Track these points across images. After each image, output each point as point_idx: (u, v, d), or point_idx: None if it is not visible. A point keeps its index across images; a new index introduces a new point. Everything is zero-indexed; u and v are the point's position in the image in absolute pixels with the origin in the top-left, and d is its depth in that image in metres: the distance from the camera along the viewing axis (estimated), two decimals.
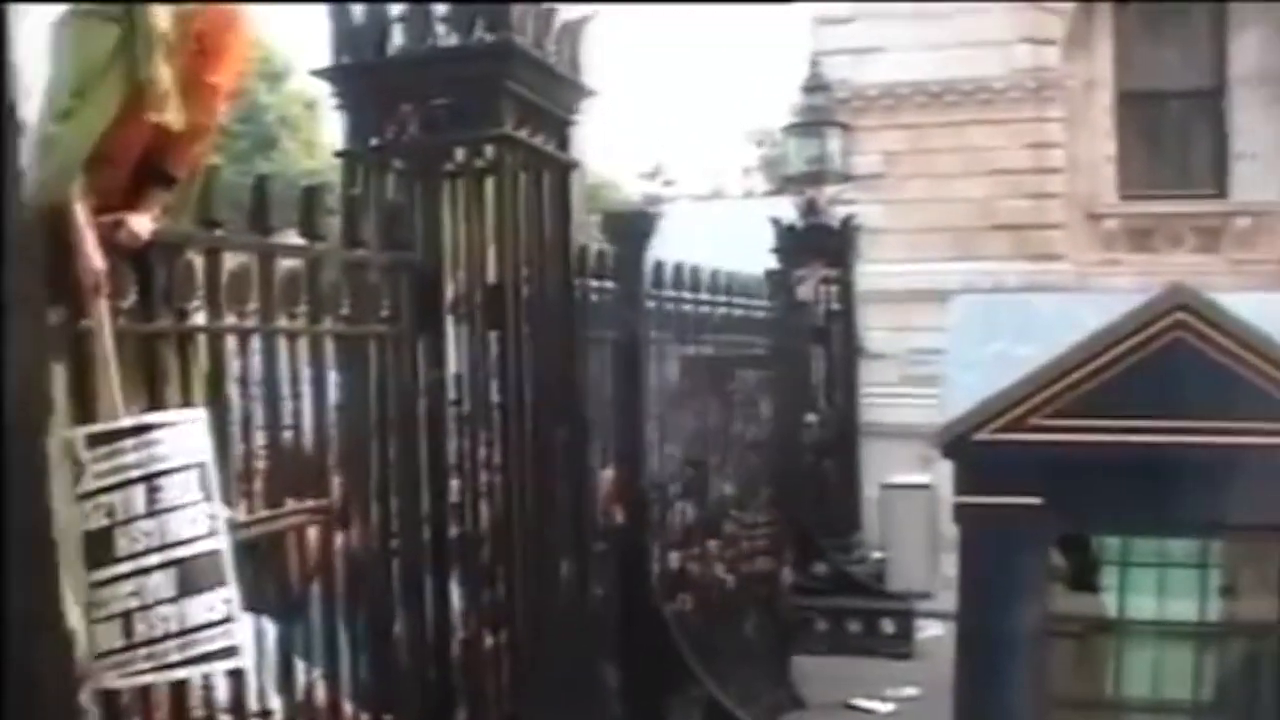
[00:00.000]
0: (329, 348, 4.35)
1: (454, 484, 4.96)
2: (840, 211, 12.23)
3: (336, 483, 4.40)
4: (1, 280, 1.83)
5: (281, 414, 4.06)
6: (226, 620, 3.08)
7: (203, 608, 3.04)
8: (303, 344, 4.18)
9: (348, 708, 4.36)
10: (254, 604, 3.71)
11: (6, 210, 1.88)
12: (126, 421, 3.06)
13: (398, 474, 4.71)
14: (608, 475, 6.54)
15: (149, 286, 3.47)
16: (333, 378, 4.42)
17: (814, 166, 12.38)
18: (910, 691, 9.46)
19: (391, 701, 4.66)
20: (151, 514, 2.98)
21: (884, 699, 9.42)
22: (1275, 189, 13.27)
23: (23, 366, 1.91)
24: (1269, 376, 5.32)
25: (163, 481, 3.01)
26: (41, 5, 3.11)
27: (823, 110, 12.71)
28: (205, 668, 3.13)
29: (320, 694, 4.21)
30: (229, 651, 3.10)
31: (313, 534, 4.18)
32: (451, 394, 4.95)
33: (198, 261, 3.65)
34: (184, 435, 3.10)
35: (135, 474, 2.99)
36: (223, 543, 3.12)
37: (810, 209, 12.08)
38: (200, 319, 3.65)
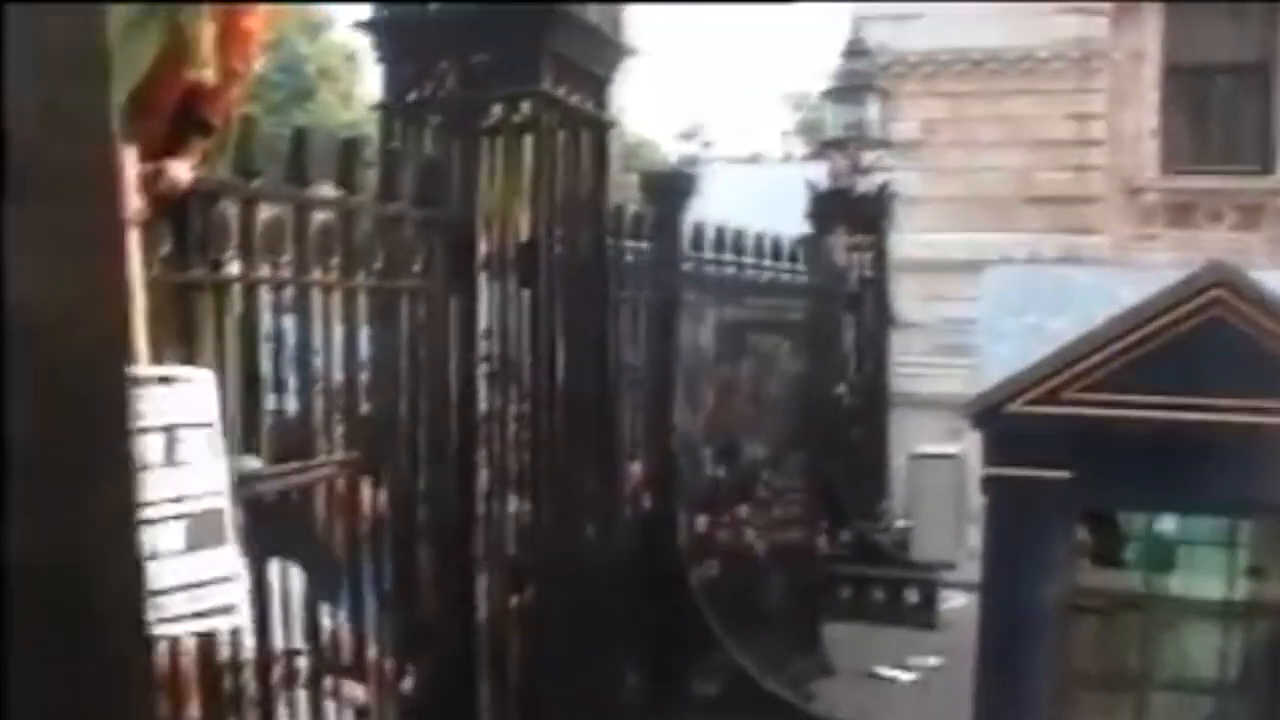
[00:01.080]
0: (362, 302, 4.36)
1: (483, 440, 4.95)
2: (877, 178, 12.16)
3: (367, 436, 4.41)
4: None
5: (314, 367, 4.07)
6: (229, 578, 3.12)
7: (209, 564, 3.07)
8: (336, 297, 4.19)
9: (372, 653, 4.40)
10: (283, 554, 3.79)
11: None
12: (150, 370, 3.06)
13: (427, 429, 4.71)
14: (636, 469, 6.51)
15: (184, 236, 3.47)
16: (365, 332, 4.42)
17: (852, 132, 12.31)
18: (933, 661, 9.48)
19: (416, 649, 4.69)
20: (168, 465, 2.98)
21: (907, 668, 9.45)
22: None
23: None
24: None
25: (182, 434, 3.02)
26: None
27: (862, 75, 12.61)
28: (208, 623, 3.15)
29: (346, 640, 4.25)
30: (229, 609, 3.13)
31: (342, 486, 4.19)
32: (482, 351, 4.93)
33: (233, 211, 3.64)
34: (198, 392, 3.10)
35: (153, 423, 2.99)
36: (227, 502, 3.13)
37: (839, 174, 12.00)
38: (234, 270, 3.65)
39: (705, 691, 6.23)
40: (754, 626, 7.89)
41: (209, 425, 3.11)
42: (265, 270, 3.79)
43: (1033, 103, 13.78)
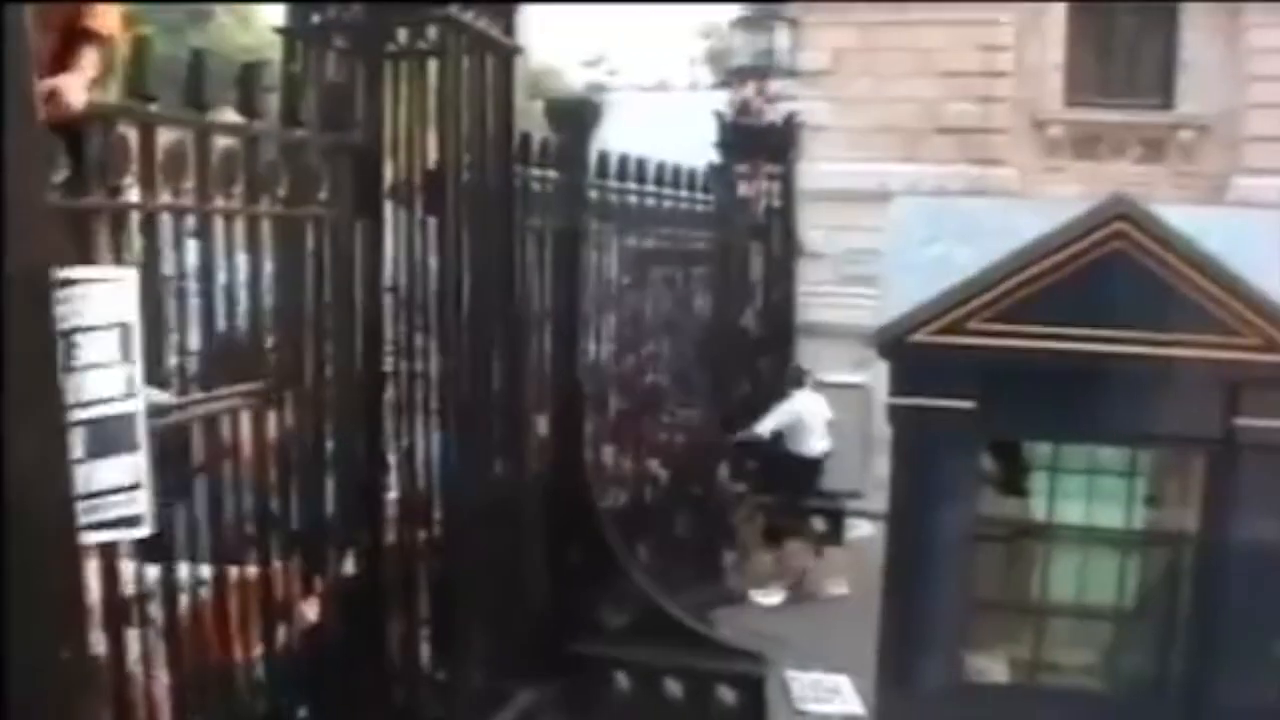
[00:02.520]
0: (266, 229, 4.25)
1: (389, 368, 4.93)
2: (785, 107, 12.11)
3: (273, 363, 4.34)
4: None
5: (217, 296, 3.97)
6: (134, 487, 2.97)
7: (111, 471, 2.92)
8: (239, 225, 4.09)
9: (278, 567, 4.37)
10: (189, 477, 3.74)
11: None
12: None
13: (334, 357, 4.64)
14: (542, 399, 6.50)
15: (81, 161, 3.35)
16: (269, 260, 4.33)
17: (761, 60, 12.23)
18: (840, 590, 9.64)
19: (323, 564, 4.67)
20: (66, 370, 2.80)
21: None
22: (1220, 102, 13.27)
23: None
24: (1204, 291, 5.39)
25: (81, 339, 2.86)
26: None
27: (771, 5, 12.53)
28: (109, 534, 3.03)
29: (251, 558, 4.22)
30: (134, 520, 2.99)
31: (247, 415, 4.13)
32: (389, 279, 4.87)
33: (131, 136, 3.53)
34: (109, 293, 2.93)
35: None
36: (139, 406, 2.99)
37: (747, 103, 11.94)
38: (134, 196, 3.55)
39: (614, 621, 6.24)
40: (660, 555, 7.93)
41: (122, 325, 2.94)
42: (166, 198, 3.69)
43: (942, 34, 13.76)
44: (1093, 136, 13.68)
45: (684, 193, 8.77)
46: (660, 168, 8.25)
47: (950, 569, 5.63)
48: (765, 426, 9.71)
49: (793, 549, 9.86)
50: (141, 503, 3.00)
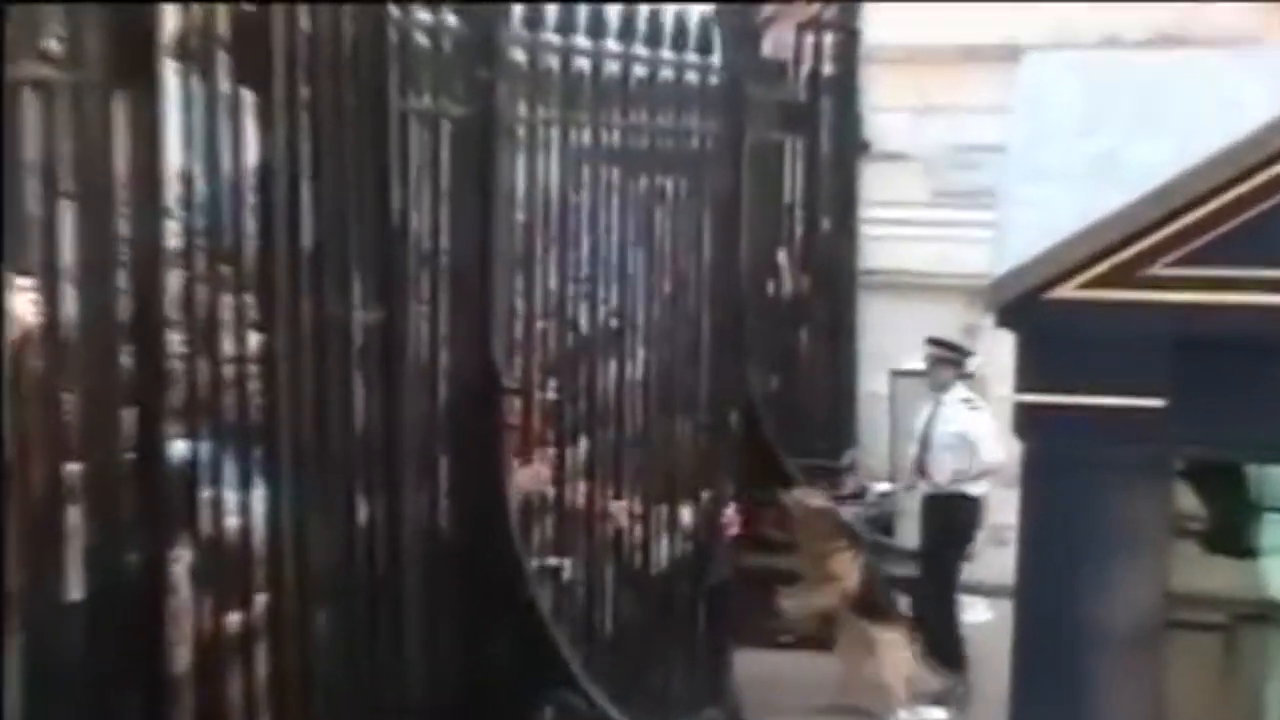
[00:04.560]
0: None
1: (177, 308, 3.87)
2: None
3: None
4: None
5: None
6: None
7: None
8: None
9: None
10: None
11: None
12: None
13: (89, 287, 3.63)
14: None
15: None
16: None
17: None
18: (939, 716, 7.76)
19: None
20: None
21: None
22: None
23: None
24: None
25: None
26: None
27: None
28: None
29: None
30: None
31: None
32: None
33: None
34: None
35: None
36: None
37: None
38: None
39: None
40: (626, 654, 6.33)
41: None
42: None
43: None
44: None
45: (669, 53, 6.58)
46: (629, 13, 6.22)
47: (1123, 676, 4.09)
48: (943, 468, 7.70)
49: (888, 643, 7.79)
50: None
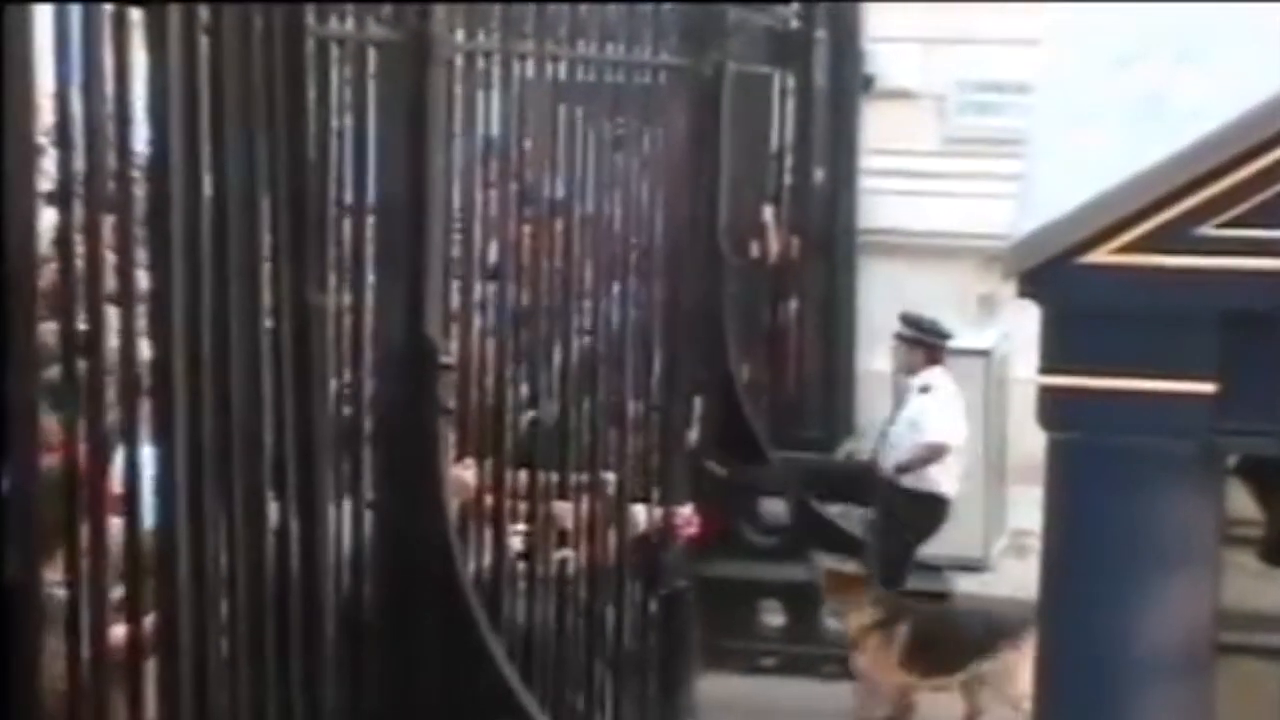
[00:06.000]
0: None
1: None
2: None
3: None
4: None
5: None
6: None
7: None
8: None
9: None
10: None
11: None
12: None
13: None
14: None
15: None
16: None
17: None
18: None
19: None
20: None
21: None
22: None
23: None
24: None
25: None
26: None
27: None
28: None
29: None
30: None
31: None
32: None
33: None
34: None
35: None
36: None
37: None
38: None
39: None
40: (567, 672, 5.62)
41: None
42: None
43: None
44: None
45: None
46: None
47: (1168, 710, 3.70)
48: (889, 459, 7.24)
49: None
50: None
